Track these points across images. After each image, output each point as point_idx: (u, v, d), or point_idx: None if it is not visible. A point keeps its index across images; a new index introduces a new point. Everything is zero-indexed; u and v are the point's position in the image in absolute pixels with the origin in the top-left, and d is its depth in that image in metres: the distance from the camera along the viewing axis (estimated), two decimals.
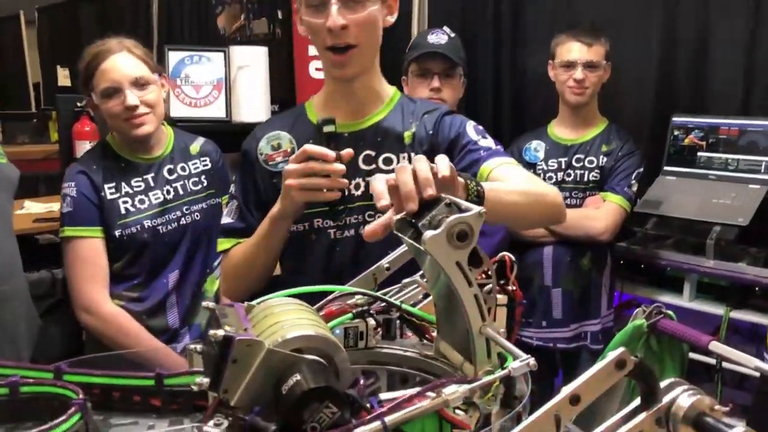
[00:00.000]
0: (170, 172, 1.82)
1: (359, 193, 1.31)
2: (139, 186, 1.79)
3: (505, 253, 0.83)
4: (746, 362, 1.23)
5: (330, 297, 0.90)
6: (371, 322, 0.88)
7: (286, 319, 0.71)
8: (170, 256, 1.82)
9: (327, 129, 1.14)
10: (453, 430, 0.65)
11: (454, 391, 0.62)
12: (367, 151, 1.32)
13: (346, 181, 1.14)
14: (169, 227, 1.80)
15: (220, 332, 0.65)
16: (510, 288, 0.82)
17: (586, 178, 2.22)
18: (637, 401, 0.63)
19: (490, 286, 0.79)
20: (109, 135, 1.83)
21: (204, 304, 0.73)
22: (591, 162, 2.22)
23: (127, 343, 1.71)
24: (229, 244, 1.36)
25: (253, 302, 0.81)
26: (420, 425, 0.63)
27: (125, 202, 1.76)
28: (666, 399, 0.61)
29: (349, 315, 0.87)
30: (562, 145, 2.27)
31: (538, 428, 0.58)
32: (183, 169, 1.84)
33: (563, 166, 2.25)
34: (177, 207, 1.82)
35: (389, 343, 0.90)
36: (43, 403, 0.65)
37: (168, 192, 1.81)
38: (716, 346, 1.27)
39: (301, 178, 1.13)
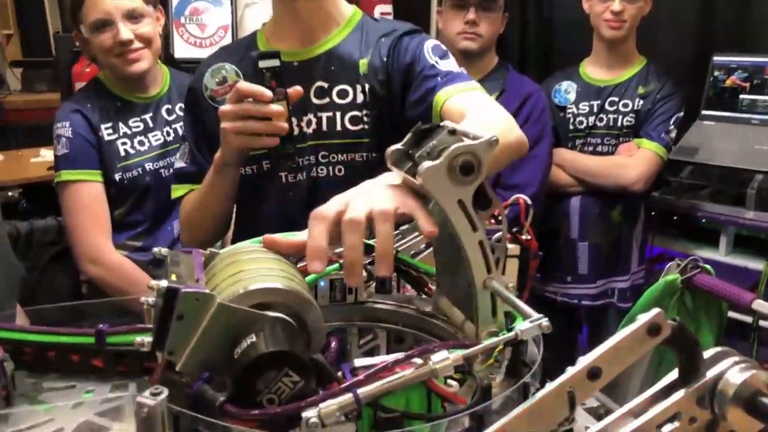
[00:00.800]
0: (169, 112, 1.71)
1: (311, 130, 1.16)
2: (138, 126, 1.67)
3: (519, 195, 0.71)
4: None
5: None
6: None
7: (250, 268, 0.60)
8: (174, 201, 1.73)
9: (265, 64, 0.98)
10: (445, 404, 0.53)
11: (443, 358, 0.50)
12: (319, 83, 1.16)
13: (285, 125, 0.99)
14: (172, 170, 1.70)
15: (163, 283, 0.54)
16: (524, 237, 0.69)
17: (619, 123, 2.04)
18: (672, 375, 0.50)
19: (500, 234, 0.67)
20: (102, 72, 1.71)
21: (155, 249, 0.62)
22: (626, 105, 2.04)
23: (136, 293, 1.62)
24: (183, 191, 1.24)
25: (227, 249, 0.70)
26: (404, 398, 0.52)
27: (124, 144, 1.65)
28: (710, 373, 0.48)
29: (336, 265, 0.75)
30: (594, 87, 2.09)
31: (547, 407, 0.46)
32: (182, 109, 1.72)
33: (595, 110, 2.07)
34: (178, 149, 1.71)
35: (383, 298, 0.78)
36: None
37: (168, 134, 1.69)
38: (761, 304, 1.13)
39: (237, 121, 0.99)
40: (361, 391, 0.48)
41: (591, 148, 2.08)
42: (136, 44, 1.57)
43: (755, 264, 1.98)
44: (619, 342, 0.46)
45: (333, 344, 0.54)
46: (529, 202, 0.70)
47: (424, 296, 0.77)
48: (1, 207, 3.23)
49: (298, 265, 0.75)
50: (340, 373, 0.53)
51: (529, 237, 0.69)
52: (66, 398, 0.56)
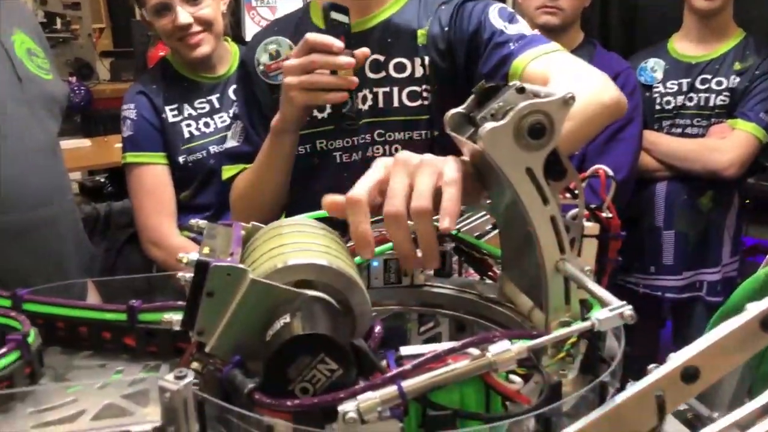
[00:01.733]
0: (236, 92, 1.68)
1: (366, 107, 1.08)
2: (203, 108, 1.66)
3: (599, 166, 0.62)
4: None
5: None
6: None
7: (293, 242, 0.54)
8: None
9: (336, 17, 0.92)
10: (506, 402, 0.46)
11: (505, 349, 0.43)
12: (375, 56, 1.08)
13: (355, 79, 0.93)
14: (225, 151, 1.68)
15: (193, 256, 0.49)
16: (604, 214, 0.60)
17: (711, 103, 1.88)
18: None
19: (576, 210, 0.59)
20: (170, 53, 1.71)
21: (191, 221, 0.58)
22: (719, 83, 1.88)
23: None
24: (234, 171, 1.16)
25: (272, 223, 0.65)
26: (458, 394, 0.45)
27: (189, 126, 1.64)
28: None
29: (390, 245, 0.68)
30: (684, 64, 1.92)
31: (630, 413, 0.38)
32: None
33: (684, 89, 1.91)
34: None
35: (442, 281, 0.71)
36: None
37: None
38: None
39: (302, 74, 0.93)
40: (407, 383, 0.42)
41: (679, 130, 1.92)
42: (196, 27, 1.55)
43: None
44: (725, 337, 0.37)
45: (377, 329, 0.47)
46: (611, 172, 0.61)
47: (487, 281, 0.69)
48: (89, 191, 3.34)
49: (348, 245, 0.69)
50: (384, 362, 0.46)
51: (610, 214, 0.60)
52: (93, 378, 0.52)
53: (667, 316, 2.10)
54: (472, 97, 0.59)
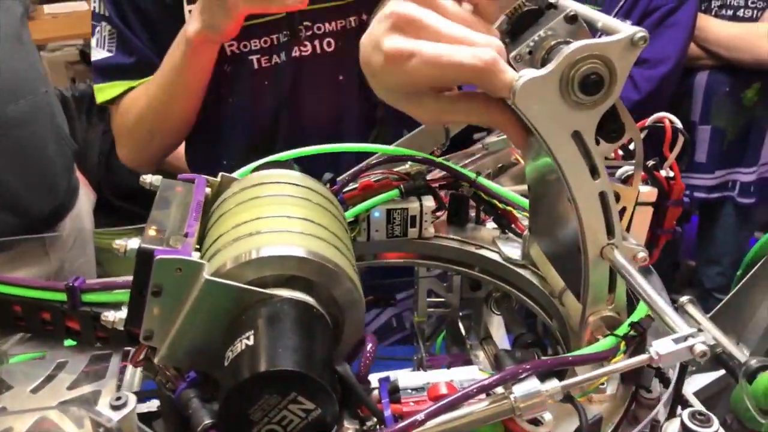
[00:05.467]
0: None
1: None
2: None
3: (664, 114, 0.48)
4: None
5: (370, 161, 0.60)
6: (428, 202, 0.58)
7: (264, 216, 0.42)
8: None
9: None
10: None
11: (532, 392, 0.33)
12: None
13: None
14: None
15: (132, 242, 0.38)
16: (663, 173, 0.48)
17: None
18: None
19: (629, 169, 0.46)
20: None
21: (141, 177, 0.46)
22: None
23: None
24: (117, 90, 0.91)
25: (242, 170, 0.53)
26: None
27: None
28: None
29: (395, 191, 0.57)
30: None
31: None
32: None
33: None
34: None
35: (456, 232, 0.60)
36: None
37: None
38: None
39: None
40: None
41: (730, 12, 1.70)
42: None
43: None
44: None
45: (369, 347, 0.37)
46: (679, 124, 0.48)
47: (509, 235, 0.58)
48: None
49: (345, 190, 0.57)
50: (374, 391, 0.36)
51: (672, 176, 0.48)
52: (29, 374, 0.43)
53: (693, 212, 2.00)
54: (502, 18, 0.44)
